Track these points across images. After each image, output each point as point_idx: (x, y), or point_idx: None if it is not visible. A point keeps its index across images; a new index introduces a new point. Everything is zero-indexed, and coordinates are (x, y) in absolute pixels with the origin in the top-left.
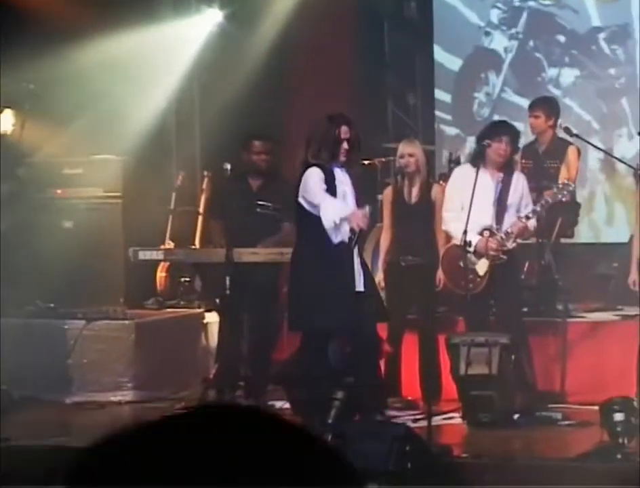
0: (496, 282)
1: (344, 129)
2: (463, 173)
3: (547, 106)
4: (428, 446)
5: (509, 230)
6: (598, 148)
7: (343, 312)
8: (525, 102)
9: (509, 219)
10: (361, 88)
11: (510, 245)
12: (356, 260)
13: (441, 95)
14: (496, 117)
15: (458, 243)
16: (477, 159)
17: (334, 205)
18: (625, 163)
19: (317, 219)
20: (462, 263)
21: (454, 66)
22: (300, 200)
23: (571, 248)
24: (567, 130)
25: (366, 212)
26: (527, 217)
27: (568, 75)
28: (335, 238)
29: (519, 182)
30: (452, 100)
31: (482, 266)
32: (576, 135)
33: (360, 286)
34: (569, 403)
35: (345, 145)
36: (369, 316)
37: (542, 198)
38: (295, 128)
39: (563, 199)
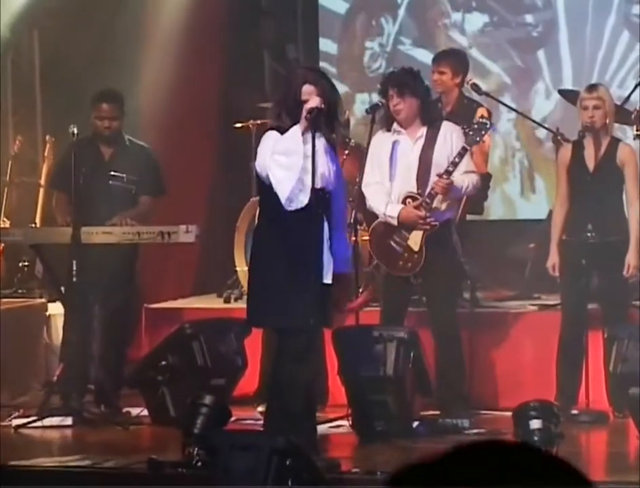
0: (432, 257)
1: (306, 88)
2: (377, 141)
3: (455, 61)
4: (313, 460)
5: (432, 191)
6: (511, 108)
7: (300, 309)
8: (424, 54)
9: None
10: (233, 39)
11: (441, 207)
12: (325, 245)
13: (326, 46)
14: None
15: (383, 220)
16: (385, 122)
17: (286, 174)
18: (543, 126)
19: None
20: (392, 242)
21: (342, 12)
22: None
23: (480, 226)
24: (474, 87)
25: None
26: (448, 172)
27: (475, 22)
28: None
29: (448, 134)
30: (339, 52)
31: (415, 240)
32: (485, 93)
33: (327, 277)
34: (477, 409)
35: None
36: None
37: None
38: (157, 86)
39: (482, 141)
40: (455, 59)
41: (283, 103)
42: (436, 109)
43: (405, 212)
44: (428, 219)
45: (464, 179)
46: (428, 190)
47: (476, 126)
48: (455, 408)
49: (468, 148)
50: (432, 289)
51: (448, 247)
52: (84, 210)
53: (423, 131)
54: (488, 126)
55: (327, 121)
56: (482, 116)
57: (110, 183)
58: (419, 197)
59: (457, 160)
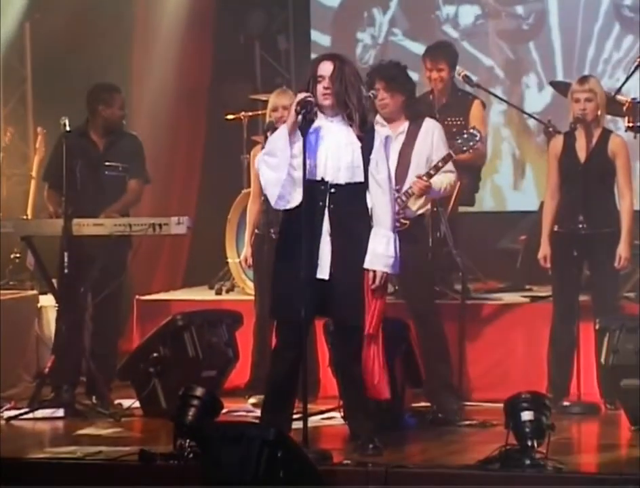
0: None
1: (324, 65)
2: None
3: (447, 55)
4: (304, 451)
5: (409, 190)
6: (503, 100)
7: (294, 302)
8: (415, 46)
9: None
10: (223, 30)
11: (414, 206)
12: (324, 239)
13: (318, 37)
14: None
15: None
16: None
17: (273, 176)
18: (534, 118)
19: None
20: None
21: (333, 3)
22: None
23: (471, 217)
24: (466, 79)
25: (309, 94)
26: (429, 175)
27: (467, 14)
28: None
29: (429, 131)
30: (331, 44)
31: None
32: (477, 85)
33: (323, 272)
34: (468, 400)
35: (325, 83)
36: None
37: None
38: (147, 77)
39: (470, 151)
40: (447, 53)
41: (307, 86)
42: (420, 105)
43: None
44: (398, 216)
45: (442, 180)
46: (405, 188)
47: (465, 136)
48: (445, 399)
49: (454, 155)
50: (405, 286)
51: (420, 244)
52: (78, 202)
53: (405, 126)
54: (477, 138)
55: (342, 104)
56: (473, 128)
57: (107, 173)
58: (396, 193)
59: (440, 165)
